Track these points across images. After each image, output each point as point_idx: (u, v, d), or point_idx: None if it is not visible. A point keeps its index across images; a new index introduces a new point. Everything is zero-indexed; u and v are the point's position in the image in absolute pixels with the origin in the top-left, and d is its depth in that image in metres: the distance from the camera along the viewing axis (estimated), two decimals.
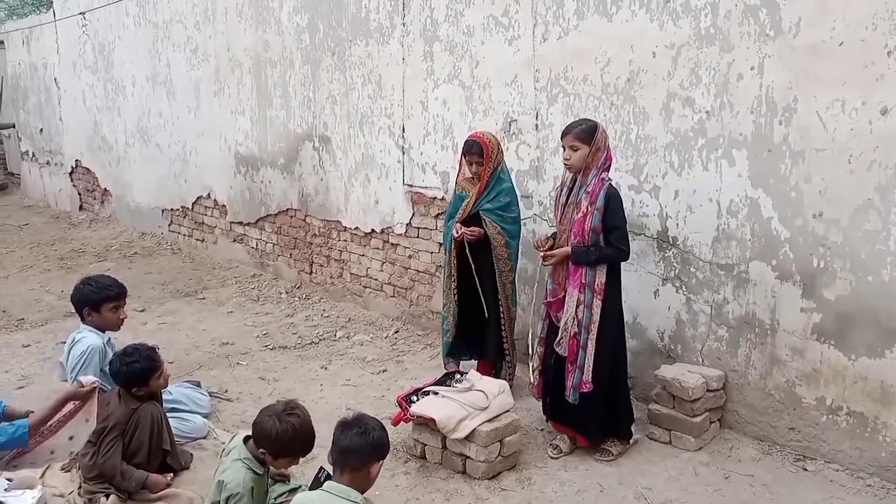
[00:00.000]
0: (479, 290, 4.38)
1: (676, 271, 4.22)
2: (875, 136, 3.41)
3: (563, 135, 3.73)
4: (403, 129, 5.68)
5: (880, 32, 3.34)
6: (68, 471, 3.74)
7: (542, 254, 3.82)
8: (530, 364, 4.11)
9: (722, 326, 4.07)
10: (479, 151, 4.28)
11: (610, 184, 3.70)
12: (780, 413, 3.90)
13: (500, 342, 4.47)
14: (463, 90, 5.19)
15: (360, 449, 2.66)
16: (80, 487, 3.58)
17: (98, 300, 3.93)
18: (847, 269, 3.57)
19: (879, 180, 3.43)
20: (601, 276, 3.70)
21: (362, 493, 2.68)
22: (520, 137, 4.88)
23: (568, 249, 3.72)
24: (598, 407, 3.79)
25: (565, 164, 3.76)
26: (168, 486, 3.58)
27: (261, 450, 3.00)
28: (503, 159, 4.46)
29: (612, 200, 3.67)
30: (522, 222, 4.66)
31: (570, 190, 3.80)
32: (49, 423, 3.44)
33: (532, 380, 4.11)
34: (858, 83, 3.43)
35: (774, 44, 3.68)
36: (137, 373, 3.57)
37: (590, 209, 3.65)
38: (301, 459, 3.13)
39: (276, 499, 3.23)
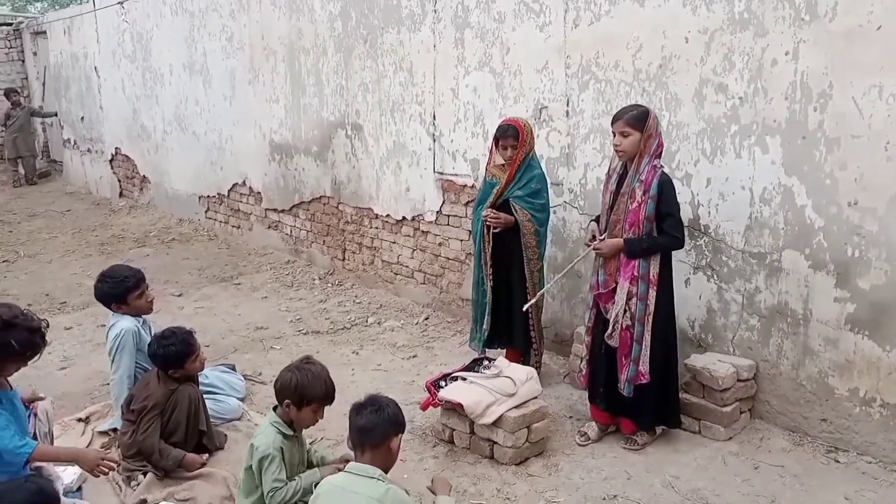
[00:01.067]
0: (508, 277, 4.40)
1: (708, 260, 4.18)
2: None
3: (614, 121, 3.67)
4: (434, 116, 5.70)
5: None
6: (109, 448, 3.87)
7: (593, 245, 3.76)
8: (582, 355, 4.09)
9: (754, 316, 4.03)
10: (514, 134, 4.28)
11: (663, 171, 3.64)
12: (812, 404, 3.85)
13: (528, 329, 4.48)
14: (494, 77, 5.18)
15: (377, 426, 2.69)
16: (118, 465, 3.70)
17: (120, 293, 3.97)
18: (882, 259, 3.51)
19: None
20: (655, 267, 3.66)
21: (386, 471, 2.72)
22: (550, 124, 4.87)
23: (620, 241, 3.67)
24: (650, 396, 3.76)
25: (616, 151, 3.68)
26: (203, 465, 3.69)
27: (286, 402, 3.08)
28: (534, 146, 4.45)
29: (666, 188, 3.61)
30: (552, 210, 4.66)
31: (621, 177, 3.74)
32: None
33: (580, 369, 4.10)
34: None
35: (810, 28, 3.61)
36: (173, 355, 3.68)
37: (644, 198, 3.60)
38: (325, 411, 3.20)
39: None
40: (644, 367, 3.69)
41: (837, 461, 3.69)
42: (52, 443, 3.55)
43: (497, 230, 4.34)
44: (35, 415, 3.46)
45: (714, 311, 4.20)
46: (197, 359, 3.77)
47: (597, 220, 3.92)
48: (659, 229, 3.65)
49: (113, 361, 3.98)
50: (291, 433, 3.16)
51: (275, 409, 3.20)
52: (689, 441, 3.93)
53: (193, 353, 3.74)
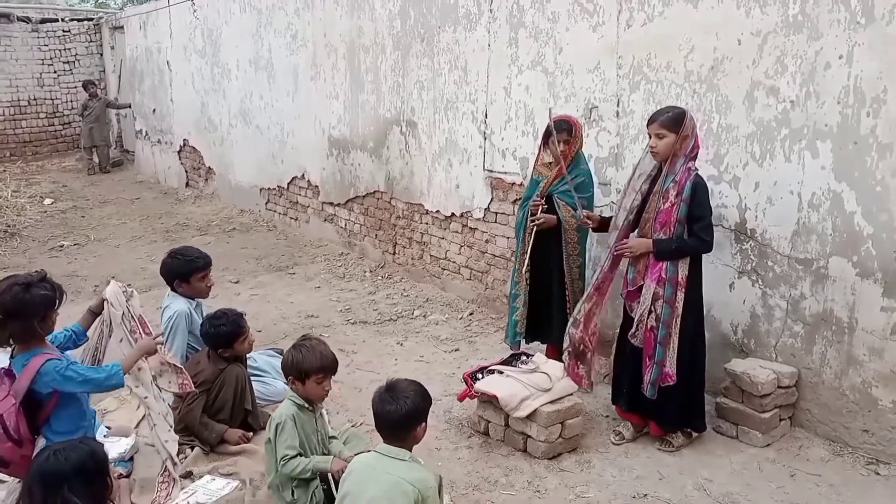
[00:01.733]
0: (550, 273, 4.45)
1: (753, 264, 4.14)
2: None
3: (650, 122, 3.69)
4: (486, 114, 5.77)
5: None
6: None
7: (619, 247, 3.80)
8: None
9: (798, 322, 3.98)
10: (568, 129, 4.32)
11: (697, 173, 3.64)
12: (855, 414, 3.78)
13: (565, 326, 4.50)
14: (546, 76, 5.22)
15: (398, 420, 2.72)
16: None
17: (187, 272, 4.17)
18: None
19: None
20: (684, 270, 3.67)
21: (411, 451, 2.78)
22: (600, 124, 4.88)
23: (649, 242, 3.69)
24: (675, 398, 3.77)
25: (651, 152, 3.70)
26: (247, 440, 3.86)
27: (290, 378, 3.23)
28: (583, 145, 4.48)
29: (699, 190, 3.61)
30: (599, 210, 4.67)
31: (654, 178, 3.76)
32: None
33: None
34: None
35: (865, 32, 3.54)
36: (224, 335, 3.86)
37: (676, 200, 3.61)
38: (333, 381, 3.33)
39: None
40: (671, 369, 3.69)
41: (878, 473, 3.62)
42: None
43: (537, 226, 4.37)
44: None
45: (757, 317, 4.15)
46: (245, 340, 3.94)
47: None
48: (690, 231, 3.64)
49: (166, 341, 4.18)
50: (306, 406, 3.27)
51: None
52: (726, 445, 3.90)
53: (243, 334, 3.92)
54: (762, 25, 3.95)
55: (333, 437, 3.45)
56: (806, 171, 3.85)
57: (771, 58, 3.93)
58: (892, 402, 3.63)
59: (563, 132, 4.33)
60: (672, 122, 3.60)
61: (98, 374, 3.17)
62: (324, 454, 3.30)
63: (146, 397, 3.45)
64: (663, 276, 3.67)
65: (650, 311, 3.72)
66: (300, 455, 3.15)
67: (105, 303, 3.58)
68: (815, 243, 3.85)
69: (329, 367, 3.26)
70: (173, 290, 4.23)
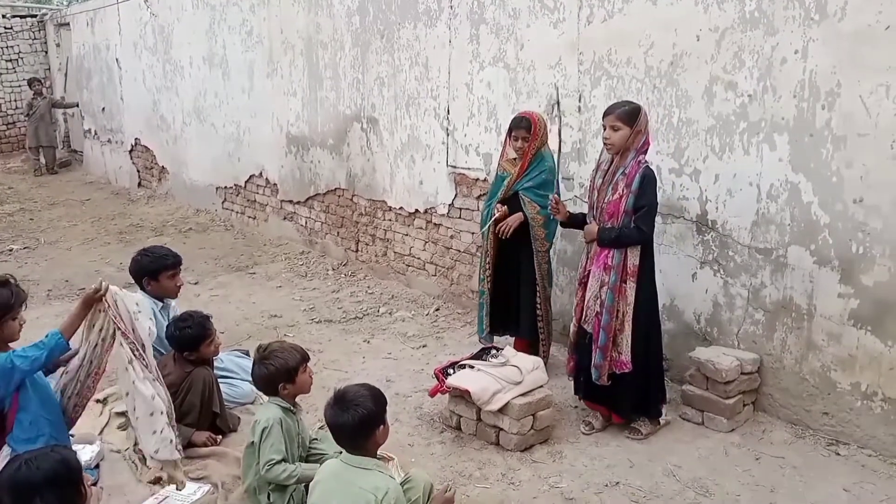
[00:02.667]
0: (517, 269, 4.49)
1: (715, 255, 4.24)
2: None
3: (606, 114, 3.75)
4: (448, 110, 5.78)
5: None
6: (125, 429, 3.98)
7: (553, 203, 3.97)
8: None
9: (759, 310, 4.09)
10: (527, 126, 4.36)
11: (647, 165, 3.73)
12: (815, 397, 3.91)
13: (535, 320, 4.56)
14: (507, 72, 5.26)
15: (354, 430, 2.65)
16: (135, 444, 3.82)
17: (156, 269, 4.12)
18: (886, 256, 3.56)
19: None
20: (634, 259, 3.74)
21: (375, 455, 2.73)
22: (562, 120, 4.93)
23: (595, 228, 3.79)
24: (628, 386, 3.84)
25: (605, 144, 3.77)
26: (214, 442, 3.81)
27: (281, 385, 3.21)
28: (547, 141, 4.53)
29: (646, 181, 3.69)
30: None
31: (606, 172, 3.82)
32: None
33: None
34: None
35: (819, 28, 3.66)
36: (189, 338, 3.80)
37: (625, 191, 3.69)
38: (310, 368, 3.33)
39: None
40: (626, 356, 3.77)
41: (838, 454, 3.75)
42: None
43: (505, 235, 4.44)
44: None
45: (720, 306, 4.26)
46: (212, 343, 3.89)
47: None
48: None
49: None
50: (291, 409, 3.26)
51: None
52: (692, 432, 3.99)
53: (209, 336, 3.86)
54: (720, 21, 4.04)
55: (315, 439, 3.43)
56: (764, 164, 3.96)
57: (729, 53, 4.03)
58: (850, 385, 3.76)
59: (521, 129, 4.37)
60: (627, 115, 3.68)
61: (40, 349, 3.08)
62: (302, 457, 3.27)
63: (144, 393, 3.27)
64: (609, 263, 3.76)
65: (596, 297, 3.80)
66: (284, 461, 3.11)
67: (103, 308, 3.25)
68: (774, 233, 3.96)
69: (305, 355, 3.29)
70: (142, 288, 4.15)
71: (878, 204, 3.55)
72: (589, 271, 3.87)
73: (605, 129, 3.75)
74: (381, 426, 2.71)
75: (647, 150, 3.76)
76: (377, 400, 2.73)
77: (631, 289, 3.75)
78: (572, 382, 4.17)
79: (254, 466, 3.15)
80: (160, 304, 4.16)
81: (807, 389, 3.93)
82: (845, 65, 3.59)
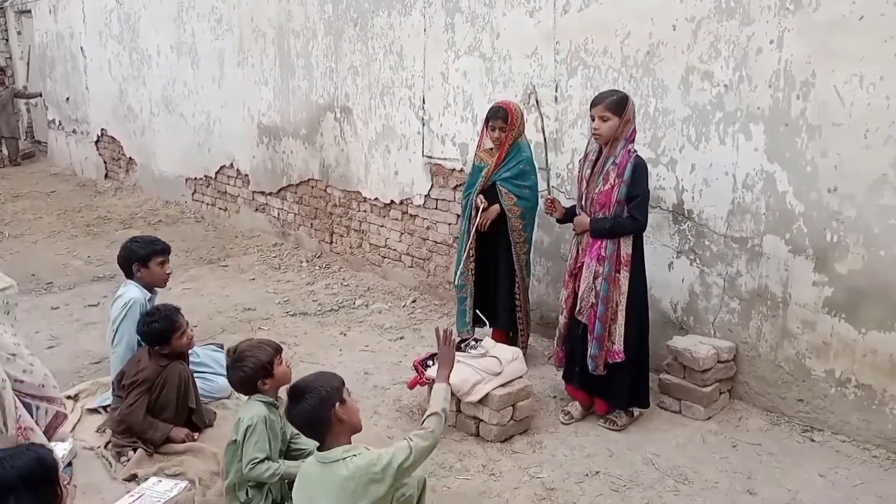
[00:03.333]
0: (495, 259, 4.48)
1: (691, 244, 4.27)
2: (892, 111, 3.42)
3: (593, 105, 3.72)
4: (424, 100, 5.73)
5: None
6: (103, 431, 3.88)
7: (548, 202, 3.94)
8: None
9: (734, 299, 4.13)
10: (504, 116, 4.34)
11: (637, 155, 3.72)
12: (790, 385, 3.96)
13: (513, 311, 4.56)
14: (483, 62, 5.22)
15: (308, 419, 2.61)
16: (108, 442, 3.75)
17: (147, 255, 4.05)
18: (860, 244, 3.61)
19: (895, 155, 3.44)
20: (626, 248, 3.73)
21: (347, 440, 2.66)
22: (539, 109, 4.92)
23: (587, 219, 3.77)
24: (624, 376, 3.85)
25: (594, 135, 3.74)
26: (192, 438, 3.74)
27: (261, 382, 3.17)
28: (524, 131, 4.52)
29: (638, 170, 3.68)
30: (540, 194, 4.72)
31: (595, 162, 3.81)
32: None
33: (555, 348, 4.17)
34: (877, 58, 3.43)
35: (794, 17, 3.68)
36: (158, 332, 3.72)
37: (617, 181, 3.67)
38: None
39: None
40: (619, 346, 3.78)
41: (813, 440, 3.80)
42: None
43: (482, 227, 4.45)
44: None
45: (696, 295, 4.29)
46: (184, 335, 3.79)
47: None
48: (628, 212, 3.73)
49: (116, 333, 4.00)
50: (274, 403, 3.23)
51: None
52: (670, 420, 4.02)
53: (178, 329, 3.76)
54: (696, 11, 4.05)
55: (296, 434, 3.38)
56: (740, 153, 3.98)
57: (705, 43, 4.04)
58: (824, 372, 3.82)
59: (497, 119, 4.35)
60: (616, 105, 3.66)
61: None
62: (282, 451, 3.23)
63: None
64: (603, 253, 3.75)
65: (591, 288, 3.79)
66: (268, 459, 3.06)
67: None
68: (750, 222, 4.00)
69: (278, 347, 3.26)
70: (130, 277, 4.07)
71: (852, 193, 3.59)
72: (582, 263, 3.84)
73: (593, 120, 3.72)
74: (338, 403, 2.62)
75: (634, 138, 3.76)
76: (326, 380, 2.66)
77: (624, 278, 3.74)
78: (562, 373, 4.15)
79: (236, 464, 3.10)
80: (149, 294, 4.07)
81: (782, 377, 3.98)
82: (820, 55, 3.62)
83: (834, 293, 3.73)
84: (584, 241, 3.85)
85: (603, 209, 3.73)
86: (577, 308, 3.87)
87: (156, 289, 4.17)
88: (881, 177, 3.50)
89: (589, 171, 3.83)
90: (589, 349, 3.83)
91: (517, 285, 4.52)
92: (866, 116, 3.50)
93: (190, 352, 4.40)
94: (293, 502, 2.73)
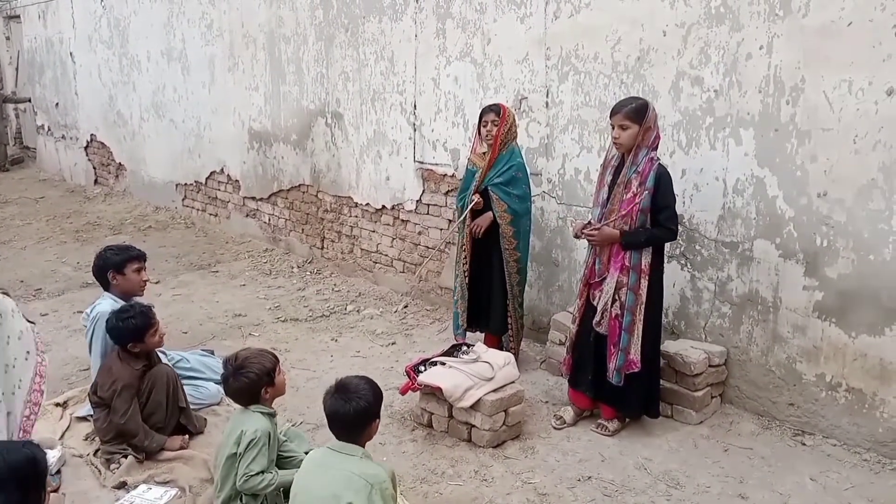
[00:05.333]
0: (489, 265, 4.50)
1: (682, 249, 4.28)
2: (881, 116, 3.45)
3: (613, 113, 3.68)
4: (415, 105, 5.74)
5: (889, 13, 3.37)
6: (92, 440, 3.84)
7: (586, 232, 3.78)
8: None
9: (725, 303, 4.14)
10: (496, 110, 4.38)
11: (660, 163, 3.67)
12: (781, 389, 3.97)
13: (505, 316, 4.56)
14: (475, 67, 5.23)
15: (351, 420, 2.68)
16: (97, 450, 3.71)
17: (121, 261, 4.01)
18: (850, 248, 3.62)
19: (884, 160, 3.47)
20: (647, 258, 3.70)
21: (364, 447, 2.75)
22: (530, 115, 4.93)
23: (616, 232, 3.68)
24: (638, 385, 3.81)
25: (615, 144, 3.69)
26: (186, 444, 3.72)
27: (263, 390, 3.13)
28: (516, 136, 4.53)
29: (663, 180, 3.65)
30: (532, 199, 4.73)
31: (617, 169, 3.76)
32: None
33: (567, 355, 4.11)
34: (865, 64, 3.46)
35: (784, 23, 3.71)
36: (132, 329, 3.67)
37: (640, 189, 3.63)
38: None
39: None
40: (636, 356, 3.74)
41: (804, 444, 3.81)
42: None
43: (477, 234, 4.48)
44: None
45: (687, 299, 4.30)
46: (156, 332, 3.74)
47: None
48: (654, 221, 3.68)
49: (88, 343, 3.97)
50: (273, 414, 3.21)
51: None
52: (662, 425, 4.02)
53: (152, 326, 3.72)
54: (686, 17, 4.07)
55: (284, 441, 3.36)
56: (730, 158, 4.00)
57: (695, 48, 4.06)
58: (815, 377, 3.83)
59: (490, 113, 4.40)
60: (635, 113, 3.62)
61: None
62: (272, 459, 3.21)
63: None
64: (627, 264, 3.70)
65: (614, 300, 3.74)
66: (262, 472, 3.03)
67: None
68: (741, 227, 4.01)
69: (275, 356, 3.23)
70: (106, 287, 4.03)
71: (842, 197, 3.61)
72: (605, 273, 3.77)
73: (613, 129, 3.68)
74: (376, 420, 2.77)
75: (657, 145, 3.71)
76: (376, 393, 2.77)
77: (644, 288, 3.70)
78: (568, 378, 4.11)
79: (232, 477, 3.05)
80: (121, 304, 4.03)
81: (773, 381, 3.99)
82: (809, 60, 3.64)
83: (824, 297, 3.74)
84: (607, 251, 3.78)
85: (625, 218, 3.67)
86: (597, 319, 3.80)
87: (134, 299, 4.10)
88: (870, 181, 3.52)
89: (610, 177, 3.78)
90: (614, 361, 3.76)
91: (509, 290, 4.52)
92: (855, 121, 3.52)
93: (179, 357, 4.39)
94: (294, 485, 2.76)
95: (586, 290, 3.92)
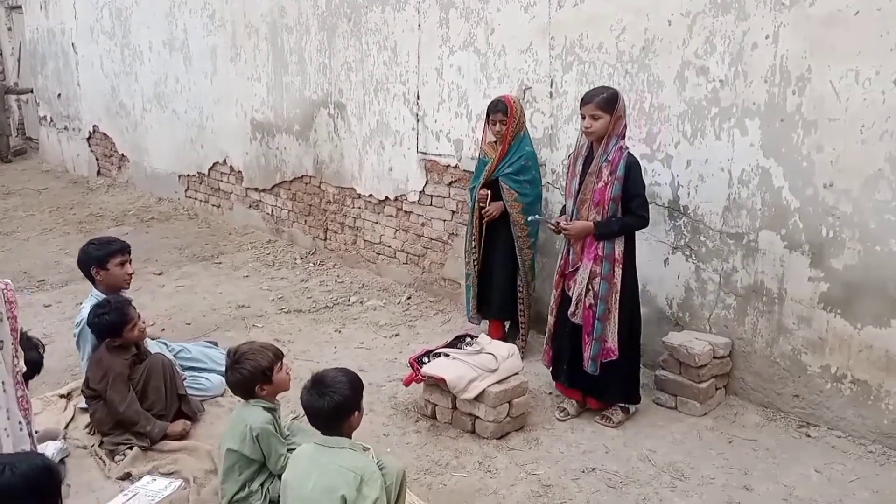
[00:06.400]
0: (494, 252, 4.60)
1: (687, 240, 4.26)
2: (887, 106, 3.42)
3: (583, 103, 3.70)
4: (418, 96, 5.71)
5: None
6: (93, 432, 3.85)
7: (560, 225, 3.81)
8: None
9: (730, 295, 4.12)
10: (503, 109, 4.39)
11: (629, 152, 3.71)
12: (785, 380, 3.96)
13: (506, 304, 4.60)
14: (478, 57, 5.20)
15: (328, 415, 2.66)
16: (101, 441, 3.71)
17: (104, 255, 3.96)
18: (856, 239, 3.60)
19: (890, 151, 3.44)
20: (620, 247, 3.73)
21: (350, 437, 2.74)
22: (534, 105, 4.90)
23: (590, 224, 3.72)
24: (616, 373, 3.84)
25: (586, 133, 3.72)
26: (188, 427, 3.73)
27: (258, 387, 3.14)
28: (525, 124, 4.54)
29: (633, 169, 3.68)
30: (543, 185, 4.73)
31: (587, 159, 3.79)
32: None
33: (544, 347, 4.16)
34: (873, 53, 3.43)
35: (790, 12, 3.67)
36: (107, 325, 3.67)
37: (610, 178, 3.66)
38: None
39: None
40: (613, 344, 3.77)
41: (808, 435, 3.80)
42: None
43: (486, 220, 4.54)
44: None
45: (692, 291, 4.28)
46: (135, 328, 3.72)
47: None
48: (625, 209, 3.72)
49: (79, 349, 3.97)
50: (274, 407, 3.22)
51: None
52: (666, 416, 4.02)
53: (129, 321, 3.70)
54: (691, 6, 4.03)
55: (288, 434, 3.37)
56: (735, 149, 3.97)
57: (700, 38, 4.02)
58: (820, 368, 3.81)
59: (497, 112, 4.38)
60: (606, 102, 3.65)
61: None
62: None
63: None
64: (600, 253, 3.74)
65: (588, 290, 3.77)
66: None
67: None
68: (746, 218, 3.99)
69: (278, 352, 3.22)
70: (92, 281, 4.01)
71: (849, 188, 3.59)
72: (578, 264, 3.81)
73: (583, 119, 3.70)
74: (357, 412, 2.74)
75: (625, 134, 3.76)
76: (353, 386, 2.74)
77: (618, 276, 3.74)
78: (550, 371, 4.15)
79: (236, 475, 3.07)
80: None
81: (778, 372, 3.98)
82: (816, 50, 3.61)
83: (830, 289, 3.73)
84: (580, 242, 3.82)
85: (598, 206, 3.71)
86: (571, 310, 3.84)
87: (122, 292, 4.06)
88: (877, 172, 3.49)
89: (580, 167, 3.81)
90: (588, 350, 3.80)
91: (520, 279, 4.56)
92: (862, 111, 3.50)
93: (181, 348, 4.40)
94: (283, 480, 2.77)
95: (562, 281, 3.94)
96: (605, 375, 3.83)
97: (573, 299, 3.84)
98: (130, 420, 3.61)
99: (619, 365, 3.82)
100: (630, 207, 3.72)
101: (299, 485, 2.66)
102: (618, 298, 3.76)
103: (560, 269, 3.97)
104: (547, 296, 5.03)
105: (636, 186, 3.70)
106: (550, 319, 4.05)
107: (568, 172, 3.95)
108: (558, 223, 3.85)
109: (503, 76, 5.05)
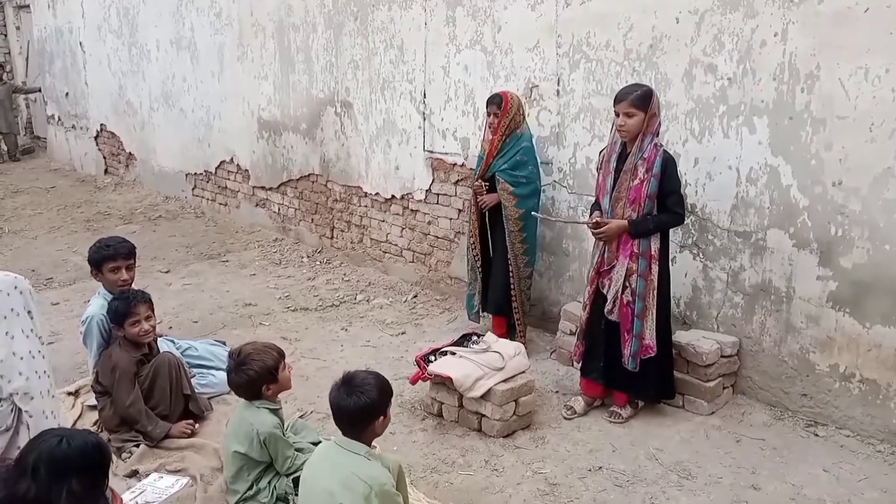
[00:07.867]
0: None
1: (694, 238, 4.25)
2: None
3: (617, 101, 3.67)
4: (425, 94, 5.70)
5: None
6: (101, 430, 3.86)
7: (595, 232, 3.78)
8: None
9: (738, 293, 4.10)
10: (498, 102, 4.46)
11: (664, 149, 3.70)
12: (794, 379, 3.94)
13: (503, 300, 4.63)
14: (485, 55, 5.19)
15: (354, 415, 2.63)
16: (108, 439, 3.72)
17: (98, 260, 3.95)
18: (865, 238, 3.58)
19: None
20: (656, 243, 3.72)
21: (370, 444, 2.72)
22: (541, 103, 4.89)
23: (624, 223, 3.69)
24: (653, 370, 3.82)
25: (619, 132, 3.69)
26: (192, 427, 3.73)
27: (265, 387, 3.16)
28: (523, 121, 4.55)
29: (670, 165, 3.67)
30: (542, 189, 4.71)
31: (620, 157, 3.75)
32: None
33: (577, 344, 4.12)
34: (882, 51, 3.41)
35: (799, 10, 3.65)
36: (113, 311, 3.72)
37: (646, 176, 3.64)
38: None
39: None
40: (651, 341, 3.75)
41: (817, 435, 3.79)
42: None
43: (482, 209, 4.59)
44: None
45: (699, 289, 4.27)
46: (137, 324, 3.70)
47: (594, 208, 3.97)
48: (661, 206, 3.69)
49: (87, 347, 3.99)
50: (279, 408, 3.24)
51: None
52: (673, 415, 4.01)
53: (132, 316, 3.68)
54: (699, 4, 4.02)
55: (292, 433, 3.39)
56: (744, 147, 3.96)
57: (708, 36, 4.01)
58: (828, 367, 3.79)
59: (493, 104, 4.46)
60: (641, 100, 3.62)
61: None
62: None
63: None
64: (636, 251, 3.72)
65: (625, 287, 3.75)
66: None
67: None
68: (754, 216, 3.97)
69: (281, 352, 3.23)
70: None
71: (857, 186, 3.57)
72: (613, 261, 3.79)
73: (617, 116, 3.68)
74: (382, 417, 2.71)
75: (659, 131, 3.73)
76: (382, 389, 2.70)
77: (654, 273, 3.73)
78: (580, 366, 4.11)
79: (245, 477, 3.09)
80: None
81: (786, 371, 3.96)
82: (825, 47, 3.59)
83: (838, 287, 3.71)
84: (615, 239, 3.78)
85: (633, 205, 3.68)
86: (608, 308, 3.81)
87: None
88: (886, 170, 3.47)
89: (615, 164, 3.77)
90: (629, 348, 3.78)
91: (512, 275, 4.56)
92: (871, 109, 3.48)
93: (188, 345, 4.41)
94: (303, 473, 2.77)
95: (596, 279, 3.91)
96: (642, 373, 3.82)
97: (609, 297, 3.81)
98: (132, 418, 3.62)
99: (655, 361, 3.81)
100: (666, 204, 3.70)
101: (313, 483, 2.67)
102: (655, 295, 3.75)
103: (596, 267, 3.93)
104: (552, 293, 5.05)
105: (672, 183, 3.69)
106: (583, 316, 4.02)
107: (600, 170, 3.90)
108: (596, 221, 3.79)
109: (510, 74, 5.04)
